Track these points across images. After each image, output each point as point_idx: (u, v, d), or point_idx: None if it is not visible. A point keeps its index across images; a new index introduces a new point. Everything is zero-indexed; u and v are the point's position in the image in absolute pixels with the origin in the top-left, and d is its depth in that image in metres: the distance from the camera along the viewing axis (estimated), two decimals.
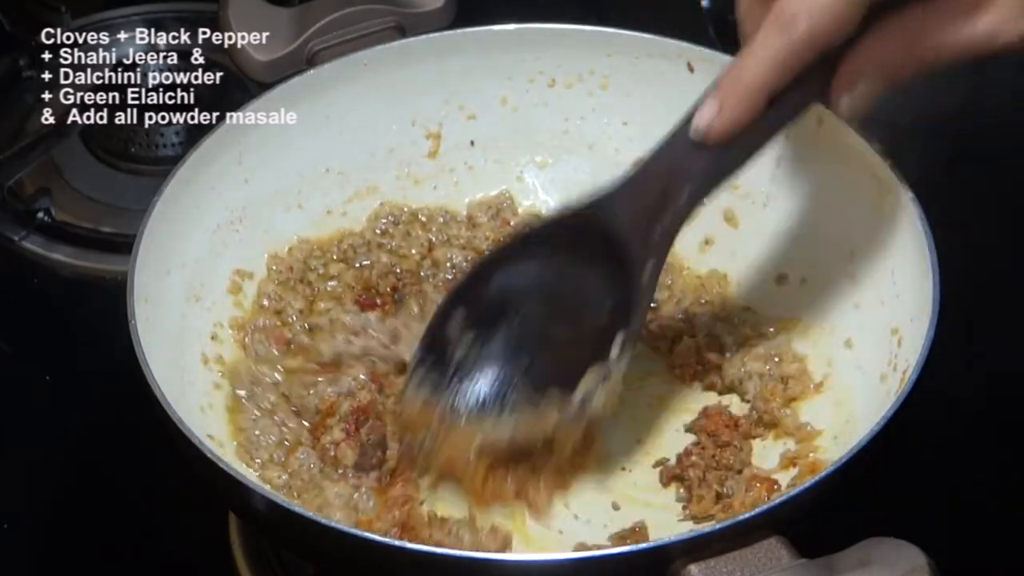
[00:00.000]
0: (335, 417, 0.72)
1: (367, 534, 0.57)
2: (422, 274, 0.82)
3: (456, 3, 0.97)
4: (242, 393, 0.73)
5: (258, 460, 0.70)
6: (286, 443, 0.71)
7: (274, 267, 0.80)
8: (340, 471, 0.70)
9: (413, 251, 0.83)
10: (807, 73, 0.61)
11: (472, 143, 0.87)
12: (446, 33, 0.86)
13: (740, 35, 0.65)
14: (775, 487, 0.67)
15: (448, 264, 0.82)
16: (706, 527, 0.56)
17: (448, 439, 0.68)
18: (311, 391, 0.74)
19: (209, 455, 0.60)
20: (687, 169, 0.64)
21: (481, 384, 0.69)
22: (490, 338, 0.69)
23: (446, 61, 0.84)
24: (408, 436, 0.70)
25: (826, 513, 0.60)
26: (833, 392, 0.73)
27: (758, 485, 0.67)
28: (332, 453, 0.70)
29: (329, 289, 0.81)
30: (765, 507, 0.57)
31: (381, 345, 0.76)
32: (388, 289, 0.81)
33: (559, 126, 0.86)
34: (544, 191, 0.87)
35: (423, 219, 0.85)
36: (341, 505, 0.67)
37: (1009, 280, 0.93)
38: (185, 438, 0.61)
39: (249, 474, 0.69)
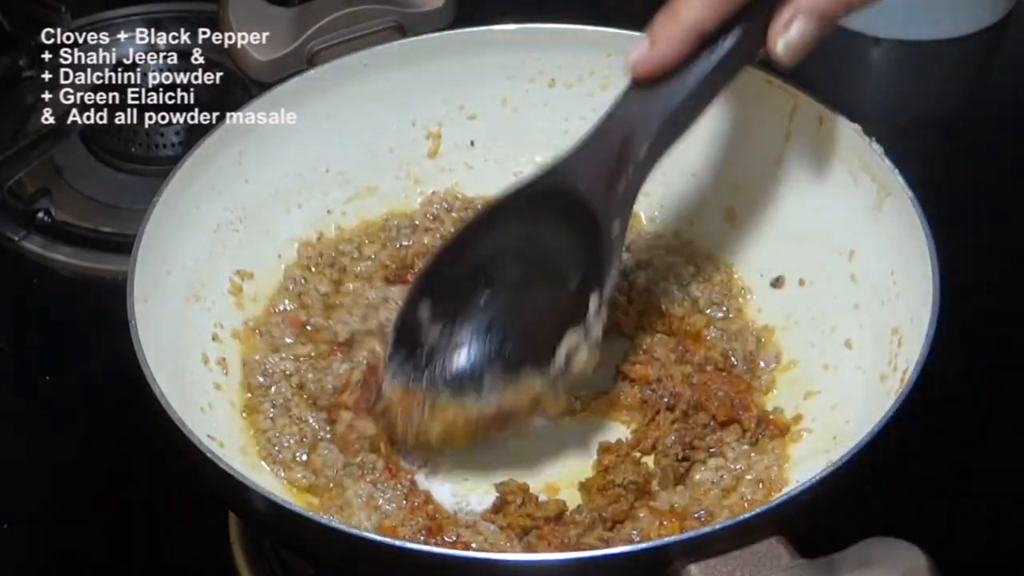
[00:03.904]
0: (348, 392, 0.72)
1: (367, 534, 0.57)
2: None
3: (456, 3, 0.97)
4: (257, 382, 0.74)
5: (280, 461, 0.70)
6: (305, 440, 0.71)
7: (304, 253, 0.81)
8: (360, 460, 0.69)
9: None
10: (742, 17, 0.64)
11: (472, 143, 0.87)
12: (446, 33, 0.86)
13: None
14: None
15: None
16: (706, 527, 0.56)
17: (432, 423, 0.68)
18: (326, 374, 0.74)
19: (209, 455, 0.60)
20: (640, 124, 0.66)
21: (456, 367, 0.68)
22: (460, 322, 0.69)
23: (446, 61, 0.84)
24: (393, 428, 0.69)
25: (826, 513, 0.60)
26: (833, 392, 0.73)
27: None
28: (353, 436, 0.70)
29: (360, 271, 0.81)
30: (765, 507, 0.57)
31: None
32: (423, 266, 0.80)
33: (559, 126, 0.86)
34: None
35: (479, 207, 0.84)
36: (362, 505, 0.68)
37: (1009, 280, 0.93)
38: (185, 438, 0.61)
39: (272, 479, 0.69)
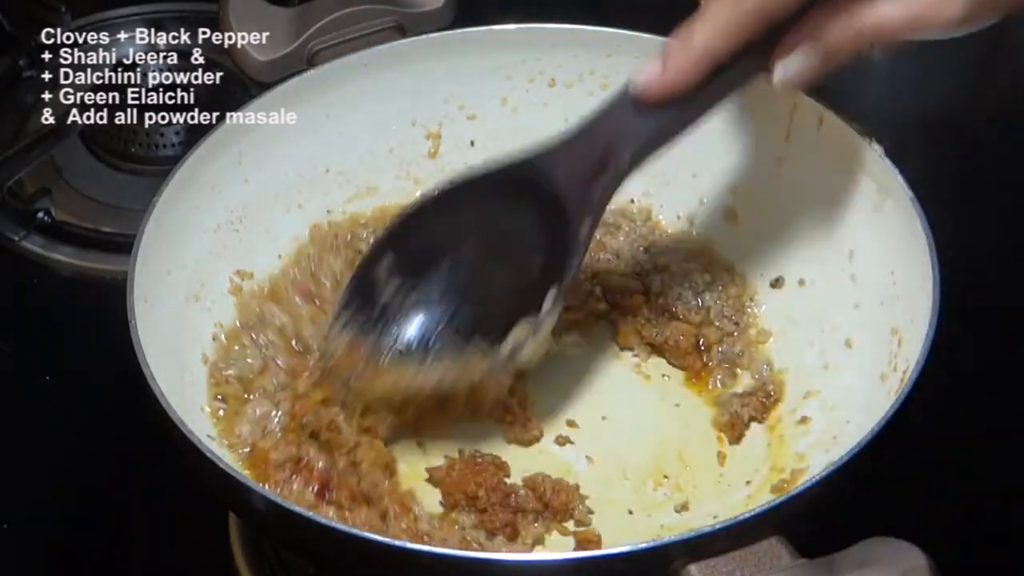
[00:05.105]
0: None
1: (367, 534, 0.57)
2: None
3: (456, 3, 0.98)
4: (247, 321, 0.75)
5: (223, 378, 0.72)
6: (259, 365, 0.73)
7: (317, 234, 0.81)
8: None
9: None
10: (752, 44, 0.63)
11: (472, 143, 0.87)
12: (446, 33, 0.86)
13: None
14: None
15: None
16: (706, 527, 0.56)
17: (374, 381, 0.68)
18: (316, 329, 0.75)
19: (209, 455, 0.60)
20: (629, 131, 0.66)
21: (407, 328, 0.68)
22: (418, 283, 0.69)
23: (446, 61, 0.84)
24: (332, 374, 0.70)
25: (826, 513, 0.60)
26: (833, 392, 0.73)
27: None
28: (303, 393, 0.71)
29: None
30: (765, 507, 0.57)
31: None
32: None
33: (559, 126, 0.85)
34: None
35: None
36: (252, 419, 0.70)
37: (1009, 280, 0.93)
38: (185, 438, 0.61)
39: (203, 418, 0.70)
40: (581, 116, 0.84)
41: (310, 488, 0.68)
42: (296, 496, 0.67)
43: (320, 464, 0.68)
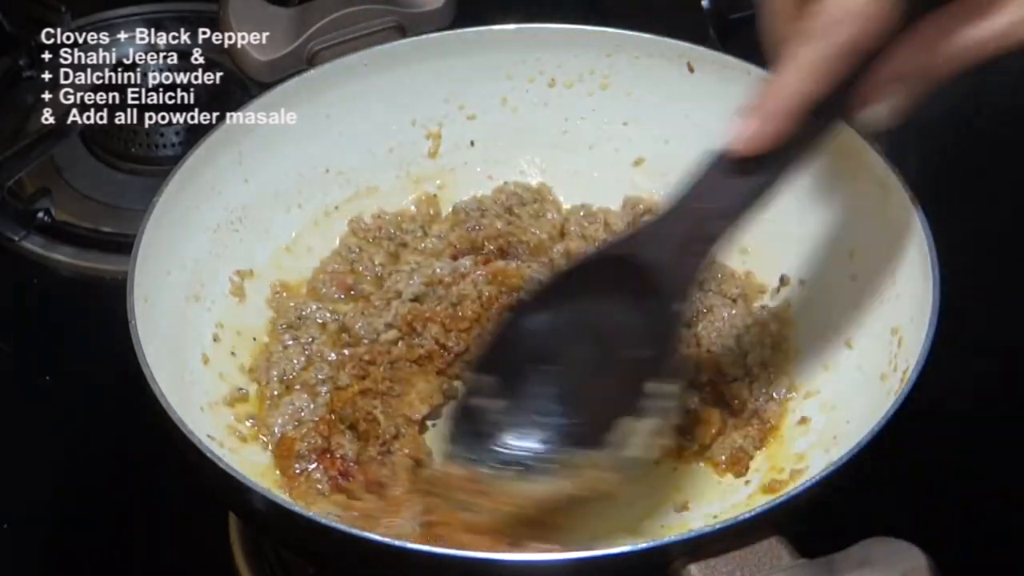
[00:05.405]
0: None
1: (367, 534, 0.57)
2: (550, 256, 0.81)
3: (456, 3, 0.97)
4: (287, 320, 0.77)
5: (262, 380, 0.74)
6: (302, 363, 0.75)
7: (358, 227, 0.82)
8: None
9: (541, 232, 0.83)
10: (844, 85, 0.59)
11: (472, 143, 0.87)
12: (446, 33, 0.86)
13: (767, 42, 0.63)
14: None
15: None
16: (706, 527, 0.56)
17: (486, 504, 0.66)
18: (363, 321, 0.76)
19: (209, 455, 0.60)
20: (721, 196, 0.63)
21: (514, 449, 0.66)
22: (520, 402, 0.67)
23: (446, 61, 0.84)
24: (437, 498, 0.67)
25: (826, 513, 0.60)
26: (833, 392, 0.73)
27: None
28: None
29: (425, 247, 0.82)
30: (765, 507, 0.57)
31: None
32: (494, 248, 0.81)
33: (559, 126, 0.86)
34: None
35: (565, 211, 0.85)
36: (288, 412, 0.71)
37: (1009, 280, 0.92)
38: (185, 438, 0.61)
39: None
40: (581, 116, 0.85)
41: (327, 477, 0.69)
42: (311, 483, 0.68)
43: (348, 454, 0.69)
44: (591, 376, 0.67)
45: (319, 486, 0.69)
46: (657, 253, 0.64)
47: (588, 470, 0.64)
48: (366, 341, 0.75)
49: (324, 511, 0.66)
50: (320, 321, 0.77)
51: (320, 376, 0.74)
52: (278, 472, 0.70)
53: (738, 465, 0.72)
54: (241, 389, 0.74)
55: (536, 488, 0.65)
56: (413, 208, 0.85)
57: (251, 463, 0.70)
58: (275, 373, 0.74)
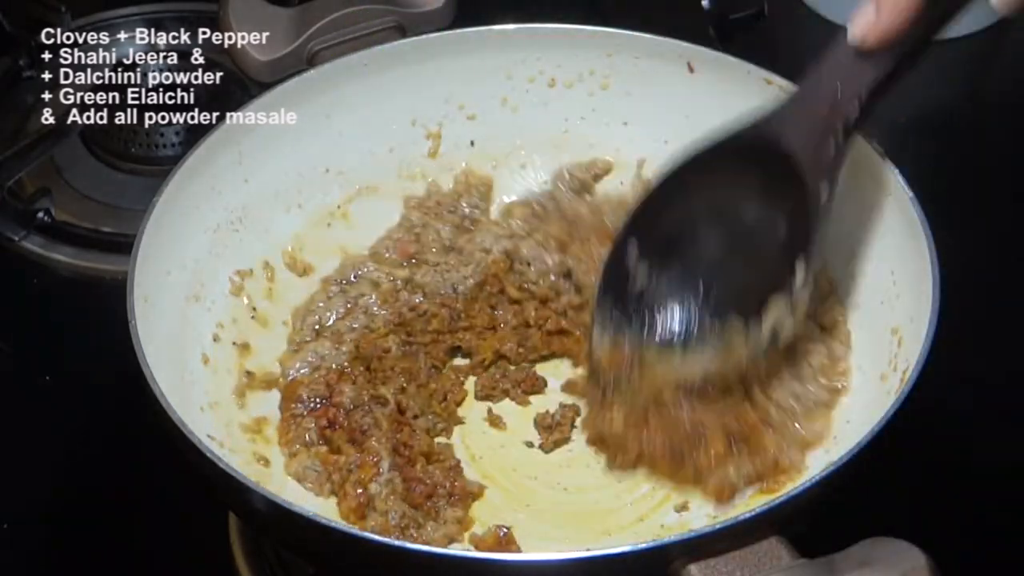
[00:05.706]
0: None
1: (367, 534, 0.58)
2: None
3: (456, 3, 0.97)
4: (337, 279, 0.79)
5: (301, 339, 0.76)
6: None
7: (413, 203, 0.83)
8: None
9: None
10: None
11: (472, 143, 0.87)
12: (446, 33, 0.86)
13: None
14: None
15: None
16: (706, 527, 0.56)
17: (641, 378, 0.66)
18: (444, 274, 0.78)
19: (209, 455, 0.60)
20: (853, 80, 0.63)
21: (665, 315, 0.66)
22: (666, 267, 0.67)
23: (446, 61, 0.84)
24: (598, 377, 0.68)
25: (826, 513, 0.60)
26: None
27: None
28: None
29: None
30: (765, 507, 0.57)
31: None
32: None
33: (559, 126, 0.86)
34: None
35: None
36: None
37: (1009, 280, 0.93)
38: (185, 438, 0.61)
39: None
40: (581, 116, 0.85)
41: (317, 426, 0.71)
42: (302, 429, 0.71)
43: (344, 400, 0.72)
44: (737, 248, 0.67)
45: (308, 435, 0.71)
46: (795, 138, 0.64)
47: (740, 348, 0.64)
48: (441, 292, 0.78)
49: (302, 463, 0.70)
50: (374, 279, 0.79)
51: (355, 325, 0.76)
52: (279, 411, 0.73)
53: (723, 495, 0.69)
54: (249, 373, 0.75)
55: (688, 362, 0.65)
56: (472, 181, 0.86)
57: (252, 464, 0.70)
58: (311, 320, 0.77)
